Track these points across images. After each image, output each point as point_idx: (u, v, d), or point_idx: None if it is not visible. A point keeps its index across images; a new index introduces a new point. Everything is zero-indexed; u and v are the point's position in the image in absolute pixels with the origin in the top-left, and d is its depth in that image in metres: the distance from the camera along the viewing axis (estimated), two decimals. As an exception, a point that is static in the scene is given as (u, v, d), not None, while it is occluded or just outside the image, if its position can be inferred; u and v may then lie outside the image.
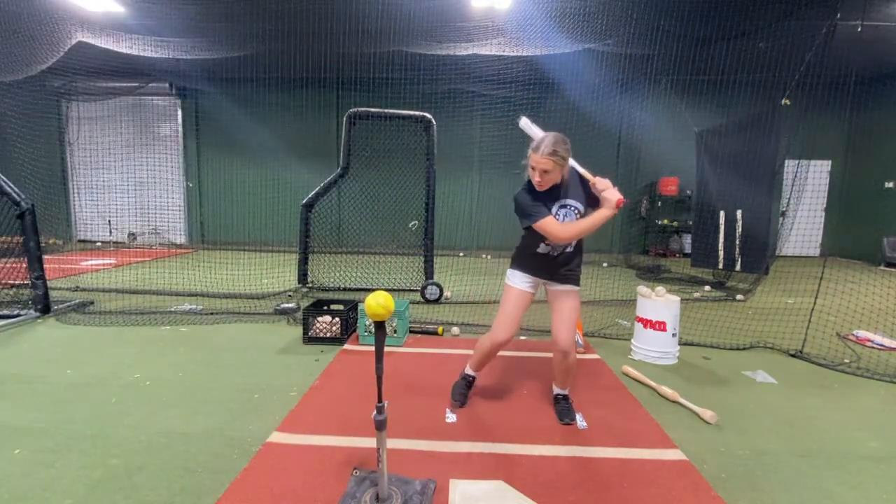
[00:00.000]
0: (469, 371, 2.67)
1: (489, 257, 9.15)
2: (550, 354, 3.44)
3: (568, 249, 2.33)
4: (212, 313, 4.47)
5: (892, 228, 8.63)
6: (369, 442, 2.12)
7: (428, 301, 5.15)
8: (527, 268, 2.41)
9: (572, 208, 2.24)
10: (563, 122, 7.92)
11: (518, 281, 2.42)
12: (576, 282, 2.39)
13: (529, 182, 2.23)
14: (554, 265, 2.35)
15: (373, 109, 5.44)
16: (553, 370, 2.53)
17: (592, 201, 2.26)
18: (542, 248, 2.33)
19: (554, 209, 2.24)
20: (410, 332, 3.92)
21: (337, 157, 5.61)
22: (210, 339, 3.72)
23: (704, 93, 7.50)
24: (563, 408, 2.48)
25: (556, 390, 2.57)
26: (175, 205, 10.48)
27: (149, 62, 7.39)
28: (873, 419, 2.55)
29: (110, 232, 10.45)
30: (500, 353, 3.18)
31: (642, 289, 3.49)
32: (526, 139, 2.30)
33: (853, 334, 4.06)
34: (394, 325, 3.58)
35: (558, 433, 2.30)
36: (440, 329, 3.96)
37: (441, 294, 5.17)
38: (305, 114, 9.66)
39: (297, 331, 3.89)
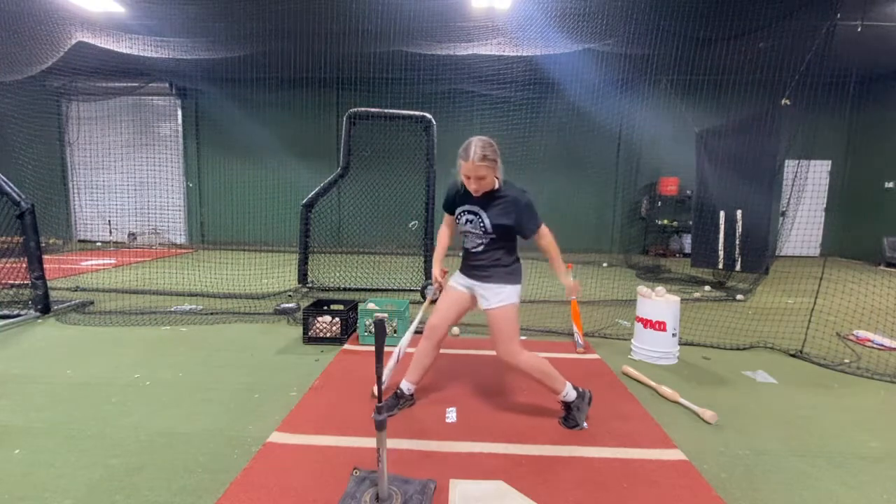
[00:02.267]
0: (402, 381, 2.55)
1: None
2: (551, 355, 3.46)
3: (478, 249, 2.31)
4: (212, 313, 4.47)
5: (892, 228, 8.63)
6: (369, 442, 2.12)
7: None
8: (462, 265, 2.46)
9: (479, 219, 2.23)
10: (563, 122, 7.94)
11: (454, 279, 2.48)
12: (496, 281, 2.30)
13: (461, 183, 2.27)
14: (470, 260, 2.38)
15: (373, 109, 5.44)
16: None
17: (504, 231, 2.23)
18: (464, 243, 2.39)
19: (459, 210, 2.30)
20: (410, 332, 3.92)
21: (337, 157, 5.61)
22: (210, 339, 3.72)
23: (704, 93, 7.50)
24: (564, 416, 2.40)
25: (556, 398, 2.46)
26: (175, 205, 10.48)
27: (149, 62, 7.39)
28: (873, 419, 2.55)
29: (110, 232, 10.45)
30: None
31: (642, 289, 3.49)
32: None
33: (853, 334, 4.06)
34: (394, 325, 3.58)
35: (558, 433, 2.30)
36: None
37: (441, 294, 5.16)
38: (305, 114, 9.66)
39: (297, 331, 3.89)
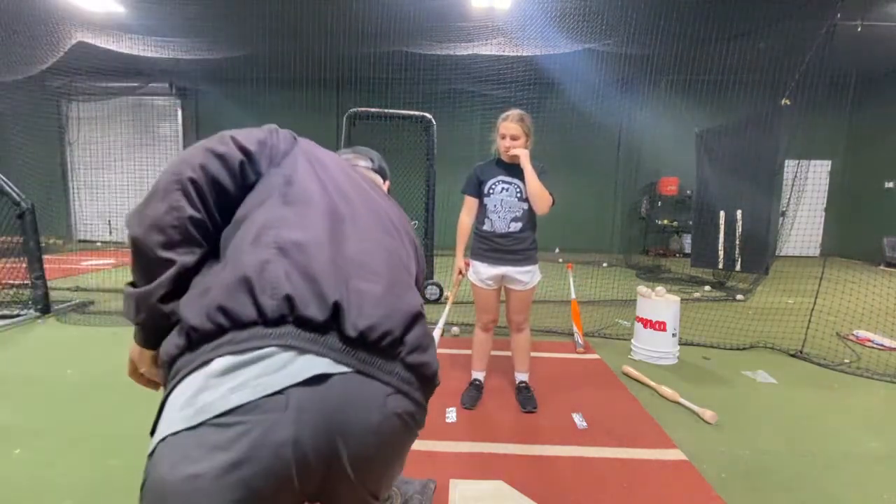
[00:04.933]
0: (474, 374, 2.74)
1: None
2: (551, 355, 3.46)
3: (511, 229, 2.41)
4: (212, 313, 4.46)
5: (892, 228, 8.62)
6: (369, 442, 2.12)
7: (428, 301, 5.15)
8: (480, 255, 2.50)
9: (515, 186, 2.38)
10: (563, 122, 7.92)
11: (478, 275, 2.51)
12: (532, 262, 2.47)
13: (489, 162, 2.49)
14: (504, 245, 2.44)
15: (373, 109, 5.44)
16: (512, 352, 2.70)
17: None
18: (486, 226, 2.47)
19: (492, 181, 2.42)
20: (410, 332, 3.91)
21: (337, 157, 5.60)
22: (210, 339, 3.71)
23: (704, 93, 7.50)
24: (526, 396, 2.57)
25: (519, 377, 2.68)
26: (175, 205, 10.45)
27: (149, 62, 7.39)
28: (873, 419, 2.55)
29: (110, 232, 10.43)
30: (499, 353, 3.19)
31: (642, 289, 3.49)
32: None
33: (853, 334, 4.06)
34: (394, 325, 3.57)
35: (558, 433, 2.30)
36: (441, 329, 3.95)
37: (441, 294, 5.17)
38: (305, 114, 9.65)
39: (297, 331, 3.88)
